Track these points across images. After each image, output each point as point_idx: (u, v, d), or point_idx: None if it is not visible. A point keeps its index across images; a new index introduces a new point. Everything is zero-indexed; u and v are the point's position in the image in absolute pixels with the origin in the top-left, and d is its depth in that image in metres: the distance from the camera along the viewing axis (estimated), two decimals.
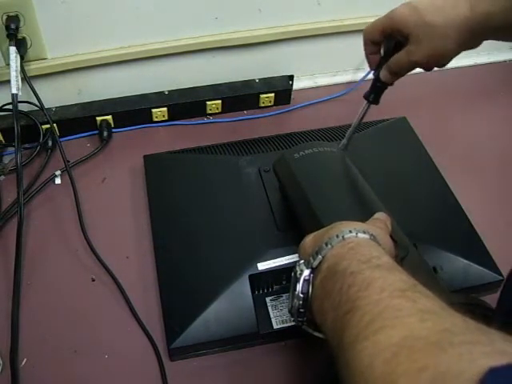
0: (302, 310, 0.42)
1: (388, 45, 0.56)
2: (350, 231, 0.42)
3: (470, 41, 0.52)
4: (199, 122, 0.86)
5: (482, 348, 0.27)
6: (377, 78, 0.58)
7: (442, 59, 0.53)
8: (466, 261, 0.62)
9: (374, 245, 0.41)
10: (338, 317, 0.35)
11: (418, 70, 0.96)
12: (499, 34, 0.52)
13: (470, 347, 0.27)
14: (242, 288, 0.59)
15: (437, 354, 0.27)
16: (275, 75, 0.88)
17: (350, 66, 0.95)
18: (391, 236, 0.47)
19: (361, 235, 0.41)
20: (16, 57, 0.70)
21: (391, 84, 0.58)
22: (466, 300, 0.44)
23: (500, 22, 0.50)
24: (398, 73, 0.56)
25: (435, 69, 1.00)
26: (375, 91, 0.60)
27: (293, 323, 0.57)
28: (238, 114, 0.88)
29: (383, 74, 0.57)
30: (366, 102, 0.61)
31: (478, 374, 0.24)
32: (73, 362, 0.58)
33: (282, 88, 0.87)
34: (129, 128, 0.84)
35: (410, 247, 0.49)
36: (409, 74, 0.98)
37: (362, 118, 0.62)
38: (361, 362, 0.30)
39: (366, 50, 0.58)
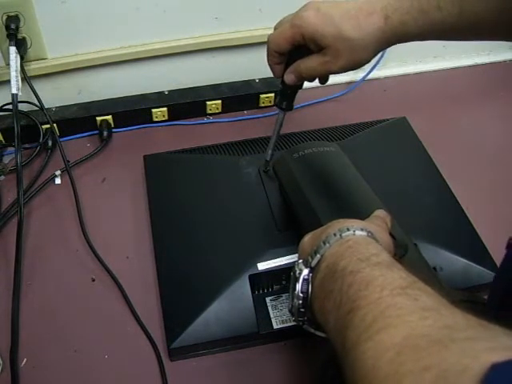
0: (302, 310, 0.42)
1: (295, 53, 0.53)
2: (348, 229, 0.41)
3: (385, 47, 0.52)
4: (199, 122, 0.86)
5: (485, 343, 0.27)
6: (285, 85, 0.56)
7: (358, 67, 0.53)
8: (465, 261, 0.63)
9: (373, 242, 0.41)
10: (340, 317, 0.35)
11: (418, 70, 0.97)
12: (414, 39, 0.51)
13: (472, 343, 0.27)
14: (242, 288, 0.59)
15: (439, 352, 0.27)
16: None
17: None
18: (390, 233, 0.47)
19: (358, 233, 0.41)
20: (16, 57, 0.70)
21: (301, 87, 0.57)
22: (465, 297, 0.44)
23: (414, 31, 0.49)
24: (307, 79, 0.55)
25: (435, 68, 1.01)
26: (287, 98, 0.58)
27: (293, 323, 0.58)
28: (238, 113, 0.88)
29: (289, 78, 0.55)
30: (279, 110, 0.59)
31: (481, 370, 0.24)
32: (73, 362, 0.58)
33: None
34: (129, 128, 0.84)
35: (410, 245, 0.49)
36: (409, 74, 0.99)
37: (281, 126, 0.61)
38: (365, 363, 0.30)
39: (271, 60, 0.55)
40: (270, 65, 0.56)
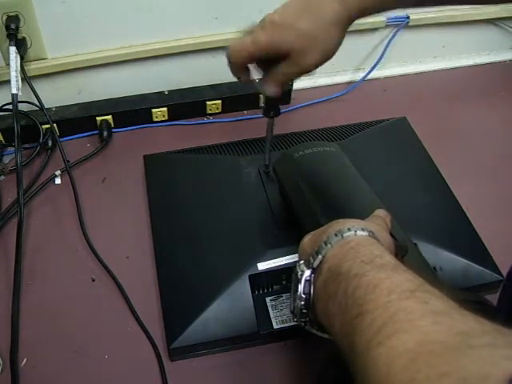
0: (304, 311, 0.42)
1: (263, 64, 0.54)
2: (349, 229, 0.41)
3: (349, 24, 0.51)
4: (199, 122, 0.86)
5: (503, 351, 0.26)
6: (268, 97, 0.56)
7: (333, 55, 0.52)
8: (465, 261, 0.62)
9: (375, 243, 0.40)
10: (347, 321, 0.35)
11: (418, 70, 0.97)
12: (376, 12, 0.51)
13: (490, 350, 0.26)
14: (242, 288, 0.59)
15: (457, 359, 0.26)
16: None
17: (349, 66, 0.95)
18: (391, 233, 0.46)
19: (360, 233, 0.41)
20: (16, 57, 0.70)
21: (283, 94, 0.56)
22: (467, 296, 0.44)
23: (373, 10, 0.49)
24: (287, 83, 0.55)
25: (435, 68, 1.01)
26: (273, 106, 0.59)
27: (293, 323, 0.58)
28: (238, 114, 0.88)
29: (271, 90, 0.55)
30: (268, 118, 0.60)
31: (503, 378, 0.24)
32: (73, 362, 0.58)
33: None
34: (129, 128, 0.84)
35: (410, 245, 0.49)
36: (409, 74, 0.99)
37: (272, 131, 0.62)
38: (378, 370, 0.29)
39: (235, 72, 0.56)
40: (234, 75, 0.57)
